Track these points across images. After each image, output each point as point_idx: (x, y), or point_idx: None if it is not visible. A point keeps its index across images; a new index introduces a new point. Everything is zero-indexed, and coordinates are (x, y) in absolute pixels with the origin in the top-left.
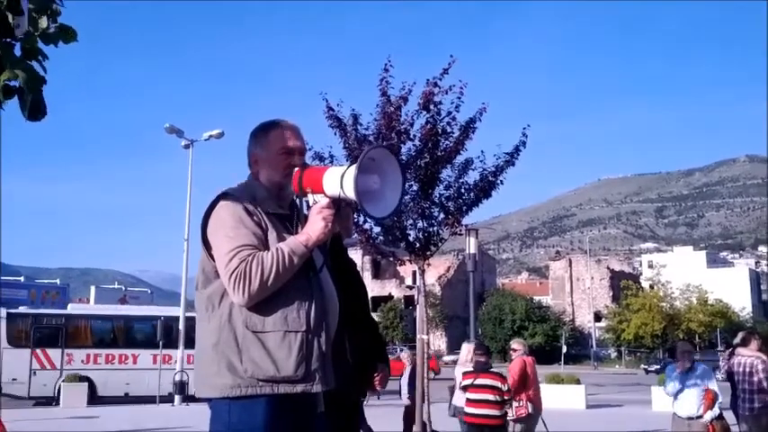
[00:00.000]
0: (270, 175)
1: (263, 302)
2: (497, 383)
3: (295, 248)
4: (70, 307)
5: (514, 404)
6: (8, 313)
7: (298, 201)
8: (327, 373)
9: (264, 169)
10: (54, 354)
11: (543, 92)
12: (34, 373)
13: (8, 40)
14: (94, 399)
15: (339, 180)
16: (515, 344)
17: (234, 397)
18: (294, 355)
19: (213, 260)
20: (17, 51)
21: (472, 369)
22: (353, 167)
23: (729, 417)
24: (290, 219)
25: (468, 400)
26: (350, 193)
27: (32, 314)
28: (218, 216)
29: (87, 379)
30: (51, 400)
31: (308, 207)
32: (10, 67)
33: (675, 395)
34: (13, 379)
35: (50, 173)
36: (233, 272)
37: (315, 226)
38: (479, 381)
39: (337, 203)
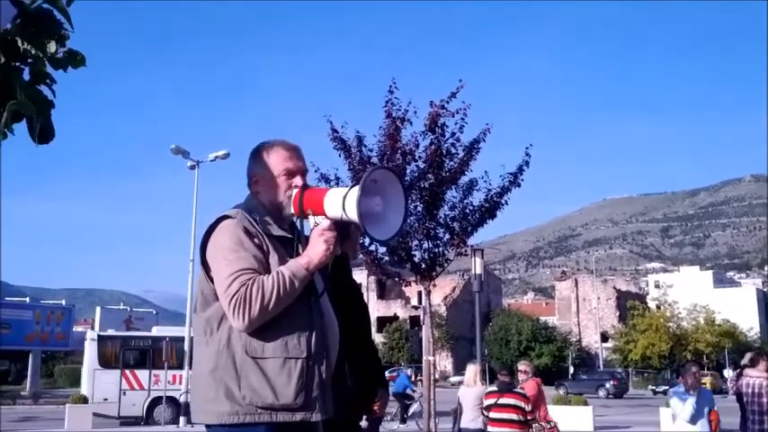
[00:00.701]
0: (270, 196)
1: (263, 328)
2: (521, 403)
3: (296, 272)
4: (155, 329)
5: (544, 426)
6: (99, 336)
7: (298, 222)
8: (327, 401)
9: (265, 190)
10: (142, 374)
11: (547, 111)
12: (124, 393)
13: (17, 64)
14: (178, 417)
15: (341, 202)
16: (524, 365)
17: (231, 424)
18: (294, 382)
19: (212, 283)
20: (26, 75)
21: (496, 389)
22: (356, 189)
23: None
24: (291, 241)
25: (491, 420)
26: (352, 215)
27: (121, 336)
28: (217, 238)
29: (173, 399)
30: (140, 420)
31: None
32: (19, 91)
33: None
34: (105, 399)
35: (55, 192)
36: (233, 296)
37: (316, 249)
38: (503, 400)
39: (339, 225)
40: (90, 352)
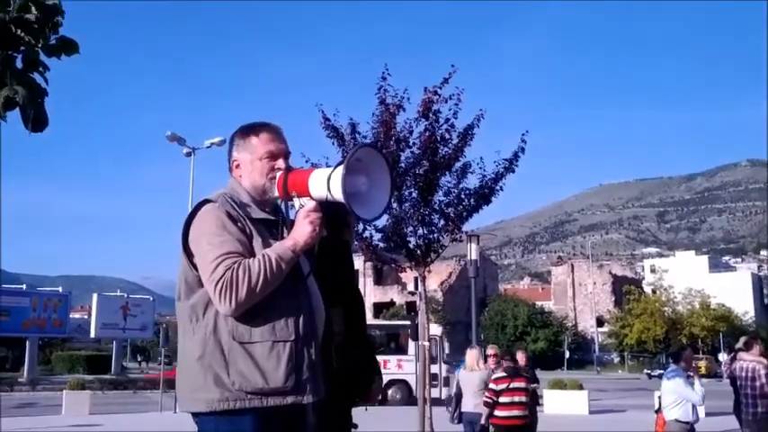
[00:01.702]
0: (253, 179)
1: (250, 312)
2: (526, 385)
3: (282, 254)
4: None
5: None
6: None
7: (283, 205)
8: (317, 382)
9: (247, 173)
10: None
11: (543, 96)
12: None
13: (10, 52)
14: None
15: (326, 182)
16: (520, 354)
17: (221, 411)
18: (283, 365)
19: (195, 269)
20: (18, 63)
21: (505, 374)
22: (340, 168)
23: (731, 421)
24: (276, 223)
25: (503, 404)
26: (337, 195)
27: None
28: (200, 223)
29: None
30: None
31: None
32: (11, 78)
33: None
34: None
35: (52, 180)
36: (218, 280)
37: (302, 230)
38: (514, 384)
39: (325, 207)
40: None
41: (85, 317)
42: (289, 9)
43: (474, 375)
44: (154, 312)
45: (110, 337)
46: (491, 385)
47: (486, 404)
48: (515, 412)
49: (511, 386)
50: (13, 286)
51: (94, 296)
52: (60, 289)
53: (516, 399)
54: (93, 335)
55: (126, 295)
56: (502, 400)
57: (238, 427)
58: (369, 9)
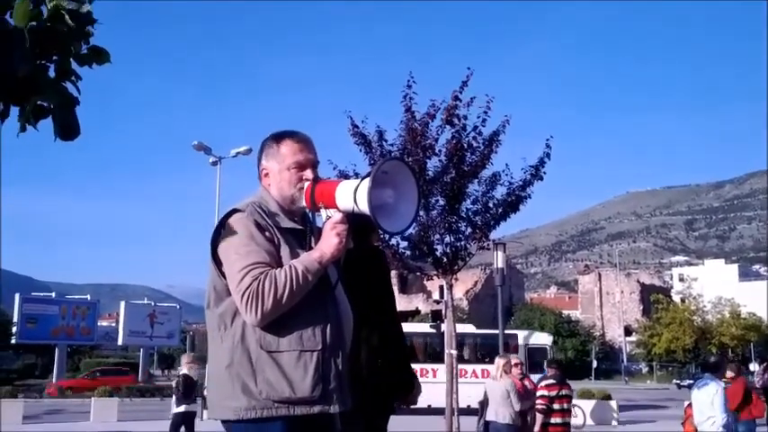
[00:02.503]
0: (281, 188)
1: (277, 321)
2: (570, 393)
3: (309, 266)
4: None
5: None
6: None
7: (310, 215)
8: (345, 392)
9: (276, 182)
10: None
11: (570, 103)
12: None
13: (43, 62)
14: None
15: (352, 194)
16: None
17: (249, 419)
18: (310, 375)
19: (224, 278)
20: (51, 73)
21: (555, 381)
22: (367, 181)
23: None
24: (303, 233)
25: (556, 411)
26: (364, 208)
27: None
28: (228, 232)
29: None
30: None
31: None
32: (44, 88)
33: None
34: None
35: (80, 189)
36: (245, 291)
37: (329, 242)
38: (563, 392)
39: (352, 218)
40: None
41: (113, 324)
42: (315, 12)
43: (498, 384)
44: (180, 320)
45: (137, 345)
46: (544, 392)
47: (540, 411)
48: (567, 419)
49: (560, 393)
50: (42, 294)
51: (122, 304)
52: (88, 297)
53: (565, 406)
54: (120, 342)
55: (153, 303)
56: (556, 407)
57: None
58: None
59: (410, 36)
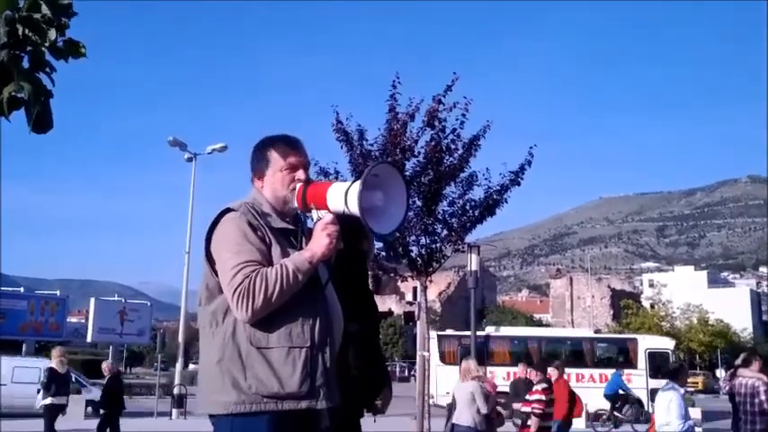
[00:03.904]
0: (274, 190)
1: (268, 318)
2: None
3: (300, 265)
4: (488, 329)
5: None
6: (438, 335)
7: (302, 216)
8: (332, 389)
9: (268, 184)
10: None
11: (544, 108)
12: None
13: (17, 52)
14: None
15: (343, 196)
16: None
17: (237, 413)
18: (298, 371)
19: (217, 276)
20: (25, 63)
21: (548, 385)
22: (358, 183)
23: None
24: (295, 233)
25: (545, 414)
26: (354, 210)
27: (458, 335)
28: (221, 231)
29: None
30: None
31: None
32: (17, 78)
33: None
34: (447, 392)
35: (51, 183)
36: (237, 288)
37: (319, 242)
38: (552, 396)
39: (342, 220)
40: (432, 350)
41: (83, 321)
42: (291, 10)
43: (463, 387)
44: (151, 318)
45: (107, 342)
46: (540, 396)
47: (537, 415)
48: (551, 423)
49: (551, 397)
50: (11, 289)
51: (92, 300)
52: (58, 293)
53: (552, 409)
54: (89, 339)
55: (124, 300)
56: (548, 410)
57: (253, 429)
58: (376, 10)
59: (400, 35)
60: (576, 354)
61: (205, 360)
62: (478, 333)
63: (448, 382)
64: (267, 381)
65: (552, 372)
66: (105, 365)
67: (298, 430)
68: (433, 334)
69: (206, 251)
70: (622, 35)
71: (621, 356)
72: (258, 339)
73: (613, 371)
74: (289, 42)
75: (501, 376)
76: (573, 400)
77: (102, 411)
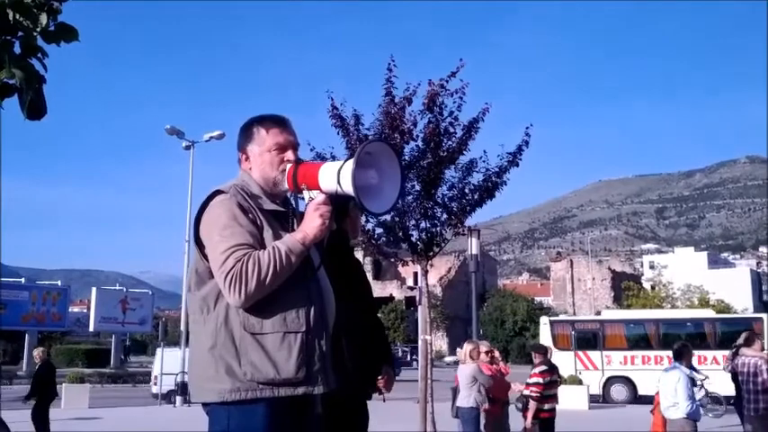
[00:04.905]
0: (263, 171)
1: (261, 303)
2: (558, 378)
3: (292, 247)
4: (604, 313)
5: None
6: (550, 321)
7: (293, 198)
8: (328, 374)
9: (257, 165)
10: (594, 356)
11: (543, 92)
12: (579, 373)
13: (8, 37)
14: (636, 398)
15: (336, 175)
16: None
17: (233, 401)
18: (294, 356)
19: (207, 260)
20: (17, 49)
21: (547, 368)
22: (351, 162)
23: (733, 418)
24: (286, 215)
25: (545, 397)
26: (347, 189)
27: (571, 320)
28: (211, 214)
29: (628, 379)
30: (597, 398)
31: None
32: (8, 64)
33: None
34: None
35: (51, 173)
36: (228, 272)
37: (312, 223)
38: (554, 377)
39: (334, 200)
40: (544, 336)
41: (84, 311)
42: (290, 5)
43: (465, 368)
44: (152, 306)
45: (109, 331)
46: (538, 380)
47: (535, 399)
48: (552, 405)
49: (552, 379)
50: (12, 280)
51: (93, 290)
52: (59, 283)
53: (554, 392)
54: (92, 328)
55: (125, 289)
56: (547, 393)
57: (250, 416)
58: (370, 7)
59: (398, 26)
60: (697, 336)
61: (196, 347)
62: (593, 317)
63: (561, 368)
64: (262, 367)
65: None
66: (36, 353)
67: (294, 416)
68: (545, 319)
69: (195, 235)
70: (620, 19)
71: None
72: (252, 325)
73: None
74: (284, 38)
75: (618, 361)
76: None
77: (30, 400)
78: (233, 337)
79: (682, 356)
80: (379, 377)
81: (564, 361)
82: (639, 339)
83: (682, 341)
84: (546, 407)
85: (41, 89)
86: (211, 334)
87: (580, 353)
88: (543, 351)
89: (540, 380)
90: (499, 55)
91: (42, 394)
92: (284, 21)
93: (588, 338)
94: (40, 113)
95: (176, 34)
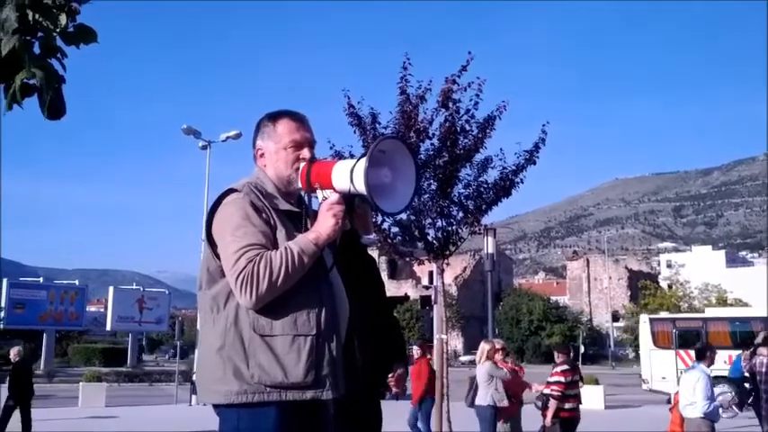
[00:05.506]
0: (278, 169)
1: (272, 304)
2: (579, 378)
3: (305, 247)
4: (708, 311)
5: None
6: (650, 318)
7: (306, 197)
8: (338, 378)
9: (272, 163)
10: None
11: (559, 91)
12: (680, 372)
13: (28, 38)
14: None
15: (349, 174)
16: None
17: (240, 404)
18: (303, 360)
19: (218, 259)
20: (36, 49)
21: (571, 367)
22: (363, 160)
23: (750, 416)
24: (299, 215)
25: (566, 396)
26: (360, 188)
27: (672, 318)
28: (224, 213)
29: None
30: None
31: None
32: (29, 64)
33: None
34: (663, 377)
35: (70, 173)
36: (240, 273)
37: (325, 223)
38: (576, 377)
39: (348, 199)
40: (644, 334)
41: (101, 310)
42: (303, 4)
43: (480, 368)
44: (169, 306)
45: (126, 330)
46: (560, 378)
47: (555, 397)
48: (574, 404)
49: (573, 379)
50: (30, 279)
51: (111, 289)
52: (77, 282)
53: (576, 391)
54: (109, 328)
55: (142, 289)
56: (569, 392)
57: (260, 420)
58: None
59: (408, 20)
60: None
61: (205, 347)
62: (696, 315)
63: (662, 367)
64: (271, 370)
65: (415, 351)
66: (13, 352)
67: (305, 418)
68: (645, 318)
69: (207, 233)
70: (633, 17)
71: None
72: (262, 326)
73: None
74: (292, 37)
75: (722, 360)
76: (433, 378)
77: (7, 402)
78: (242, 339)
79: (704, 357)
80: (391, 375)
81: (664, 360)
82: (745, 337)
83: (705, 342)
84: (567, 406)
85: (61, 89)
86: (220, 334)
87: (681, 352)
88: (566, 351)
89: (562, 378)
90: (513, 52)
91: (19, 394)
92: (297, 20)
93: (690, 336)
94: (60, 113)
95: (189, 32)
